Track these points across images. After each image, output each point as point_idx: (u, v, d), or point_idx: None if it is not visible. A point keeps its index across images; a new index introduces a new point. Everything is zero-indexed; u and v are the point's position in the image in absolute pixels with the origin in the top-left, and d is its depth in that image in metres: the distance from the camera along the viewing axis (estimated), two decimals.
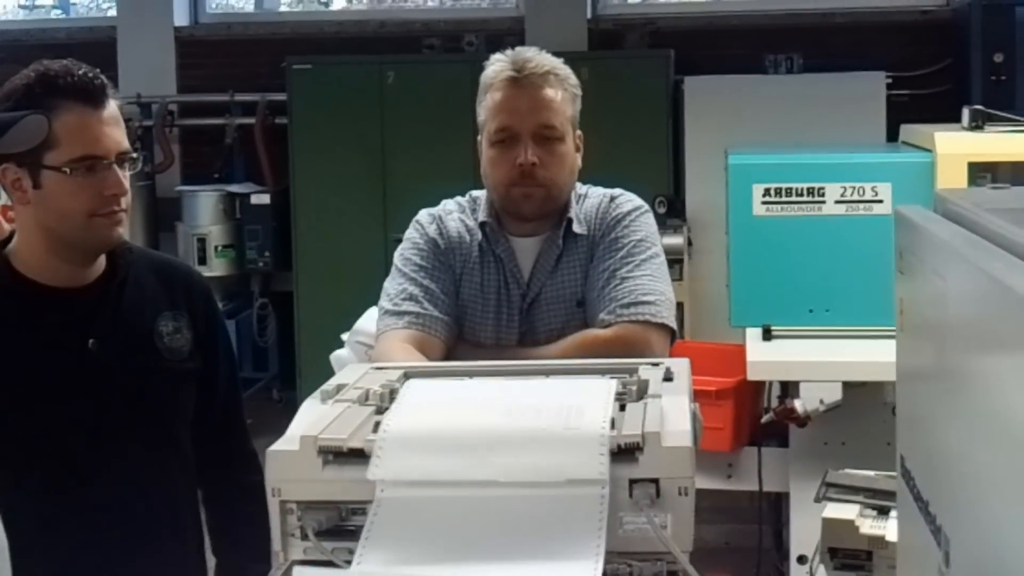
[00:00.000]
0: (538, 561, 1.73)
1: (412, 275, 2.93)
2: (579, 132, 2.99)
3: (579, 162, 2.99)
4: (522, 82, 2.89)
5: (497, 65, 2.94)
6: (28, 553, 2.39)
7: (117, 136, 2.52)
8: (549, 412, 1.89)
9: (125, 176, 2.53)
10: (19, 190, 2.52)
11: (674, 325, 2.88)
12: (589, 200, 3.00)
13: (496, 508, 1.81)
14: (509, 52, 2.97)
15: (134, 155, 2.57)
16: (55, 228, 2.52)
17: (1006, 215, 1.43)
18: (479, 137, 2.98)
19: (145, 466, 2.62)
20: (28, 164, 2.48)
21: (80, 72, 2.50)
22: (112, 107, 2.53)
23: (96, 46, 8.79)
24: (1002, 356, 1.20)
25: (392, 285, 2.95)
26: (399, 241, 3.05)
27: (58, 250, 2.55)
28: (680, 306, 6.97)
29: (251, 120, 8.87)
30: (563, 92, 2.92)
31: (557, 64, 2.95)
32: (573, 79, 2.97)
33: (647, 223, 2.98)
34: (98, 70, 2.55)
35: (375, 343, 2.93)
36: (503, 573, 1.71)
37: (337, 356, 3.16)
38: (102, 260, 2.62)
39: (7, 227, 2.76)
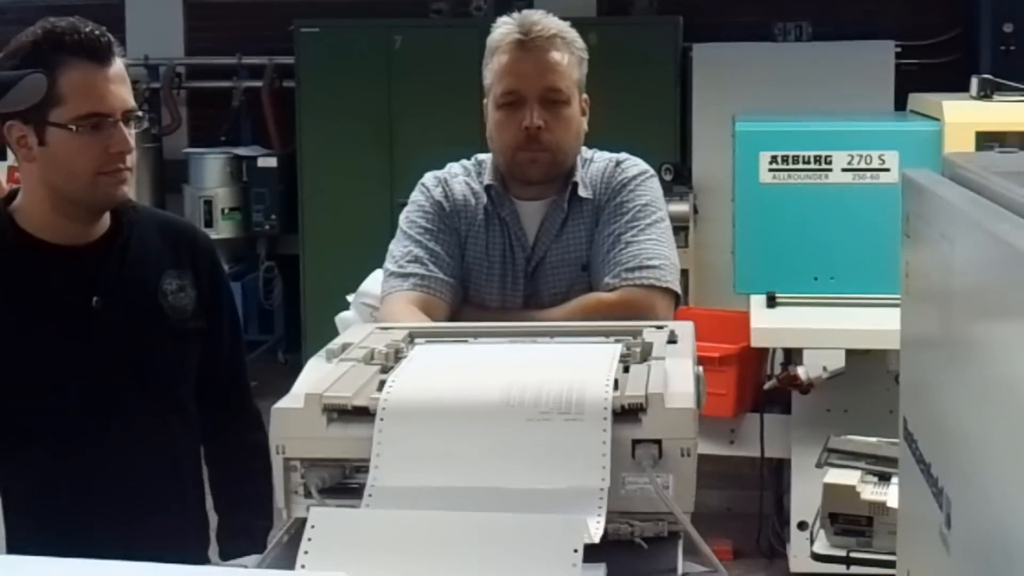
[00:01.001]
0: (540, 504, 1.74)
1: (417, 237, 2.93)
2: (585, 96, 2.98)
3: (585, 126, 2.98)
4: (528, 45, 2.89)
5: (504, 28, 2.93)
6: (29, 512, 2.40)
7: (123, 94, 2.51)
8: (550, 388, 1.88)
9: (131, 134, 2.52)
10: (24, 147, 2.50)
11: (678, 289, 2.87)
12: (595, 164, 3.00)
13: (500, 439, 1.82)
14: (516, 15, 2.96)
15: (140, 114, 2.56)
16: (60, 186, 2.51)
17: (1014, 178, 1.43)
18: (485, 100, 2.97)
19: (147, 423, 2.62)
20: (34, 121, 2.47)
21: (87, 30, 2.49)
22: (118, 65, 2.51)
23: (104, 8, 8.74)
24: (1008, 318, 1.20)
25: (397, 247, 2.95)
26: (405, 205, 3.05)
27: (63, 208, 2.54)
28: (685, 273, 6.95)
29: (258, 83, 8.86)
30: (570, 56, 2.91)
31: (564, 27, 2.94)
32: (580, 43, 2.96)
33: (652, 187, 2.98)
34: (104, 28, 2.53)
35: (380, 305, 2.93)
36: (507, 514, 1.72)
37: (342, 318, 3.16)
38: (106, 218, 2.61)
39: (6, 186, 2.74)
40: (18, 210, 2.58)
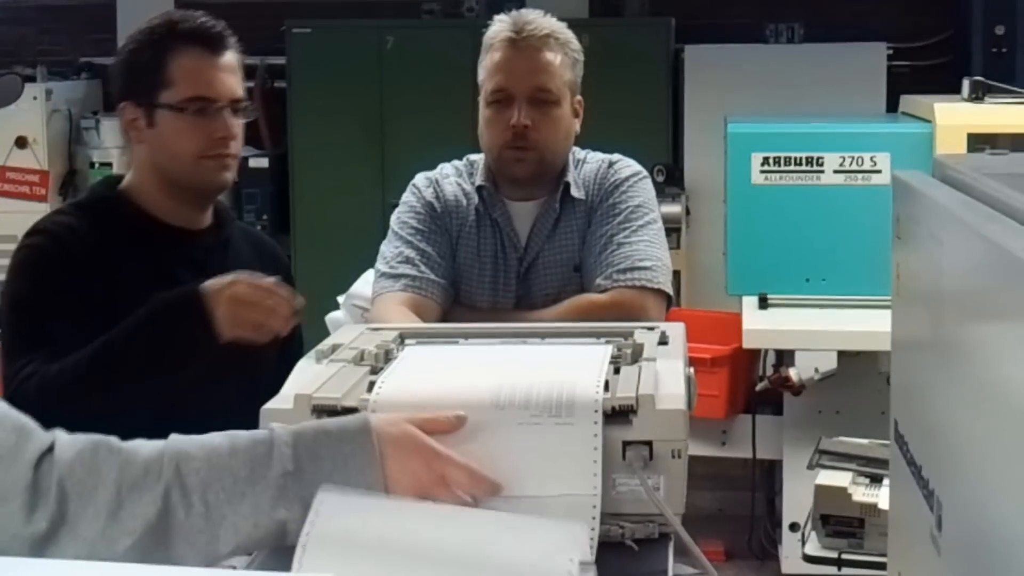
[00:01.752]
0: (532, 508, 1.74)
1: (408, 238, 2.93)
2: (579, 98, 2.97)
3: (577, 127, 2.98)
4: (520, 44, 2.89)
5: (498, 26, 2.94)
6: None
7: (231, 83, 2.62)
8: (540, 389, 1.87)
9: (237, 123, 2.62)
10: (135, 129, 2.63)
11: (670, 290, 2.87)
12: (587, 165, 2.99)
13: (491, 441, 1.81)
14: (512, 13, 2.96)
15: (247, 104, 2.66)
16: (167, 167, 2.62)
17: (1005, 180, 1.43)
18: (479, 98, 2.97)
19: (245, 420, 2.59)
20: (144, 103, 2.60)
21: (201, 19, 2.63)
22: (230, 56, 2.63)
23: (96, 8, 8.74)
24: (998, 319, 1.20)
25: (388, 248, 2.95)
26: (397, 206, 3.05)
27: (171, 190, 2.64)
28: (677, 275, 6.95)
29: (250, 83, 8.80)
30: (563, 56, 2.91)
31: (558, 27, 2.94)
32: (575, 44, 2.96)
33: (645, 189, 2.98)
34: (224, 23, 2.65)
35: (371, 306, 2.93)
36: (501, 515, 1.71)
37: (332, 318, 3.16)
38: (210, 212, 2.71)
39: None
40: (131, 189, 2.68)
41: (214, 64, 2.61)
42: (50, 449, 1.68)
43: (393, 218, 3.01)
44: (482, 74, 2.95)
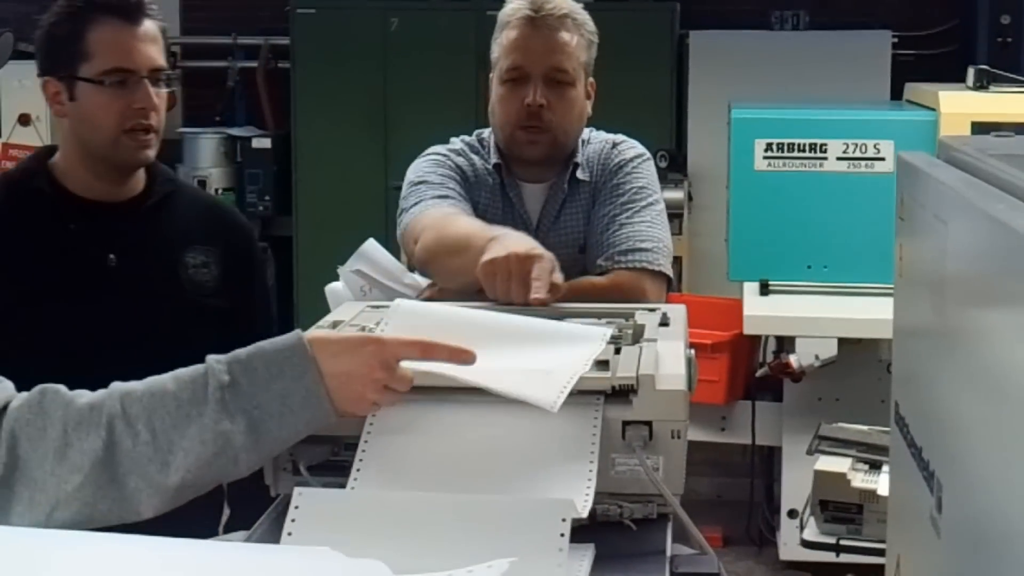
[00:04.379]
0: (530, 484, 1.74)
1: (440, 181, 2.88)
2: (592, 80, 2.96)
3: (589, 109, 2.96)
4: (538, 23, 2.87)
5: (516, 3, 2.92)
6: None
7: (151, 52, 2.58)
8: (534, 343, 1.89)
9: (159, 95, 2.59)
10: (58, 102, 2.60)
11: (670, 273, 2.86)
12: (591, 146, 2.98)
13: (490, 423, 1.82)
14: None
15: (169, 73, 2.63)
16: (88, 141, 2.59)
17: (1010, 160, 1.42)
18: (491, 75, 2.95)
19: None
20: (65, 77, 2.57)
21: None
22: (149, 25, 2.59)
23: None
24: (1001, 298, 1.19)
25: (415, 194, 2.88)
26: (399, 189, 3.01)
27: (91, 164, 2.61)
28: (678, 261, 6.95)
29: (254, 63, 8.82)
30: (579, 37, 2.90)
31: (576, 8, 2.92)
32: (591, 26, 2.95)
33: (648, 171, 2.96)
34: None
35: (413, 221, 2.85)
36: (495, 494, 1.71)
37: (332, 289, 3.11)
38: (140, 181, 2.68)
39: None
40: (56, 164, 2.66)
41: (132, 34, 2.56)
42: (6, 405, 1.74)
43: (422, 170, 2.93)
44: (496, 52, 2.92)
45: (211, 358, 1.80)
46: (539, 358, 1.91)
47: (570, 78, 2.87)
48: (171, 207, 2.71)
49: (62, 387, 1.79)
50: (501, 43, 2.90)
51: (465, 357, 1.83)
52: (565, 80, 2.87)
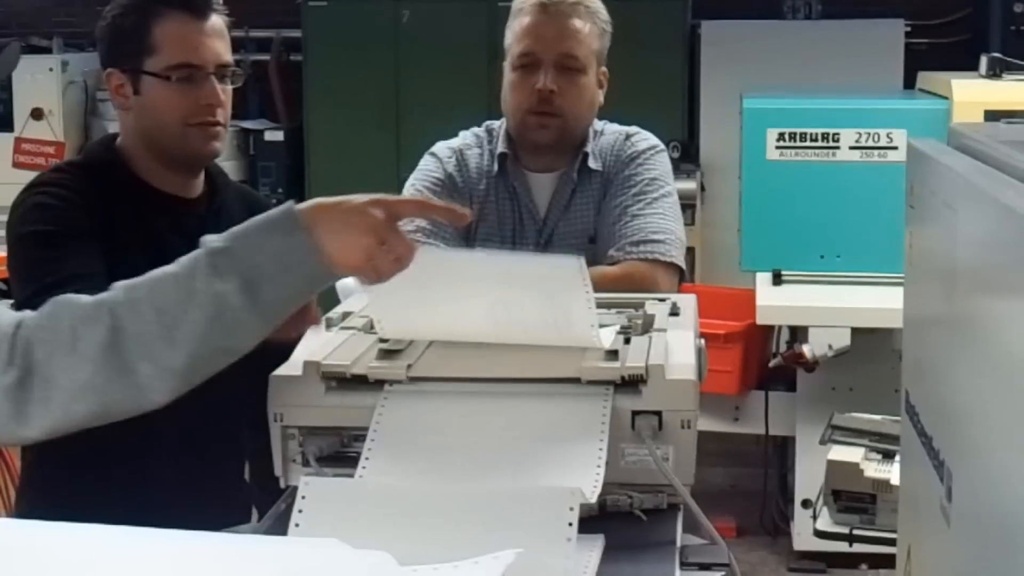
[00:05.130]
0: (538, 473, 1.73)
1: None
2: (604, 69, 2.96)
3: (600, 98, 2.96)
4: (551, 9, 2.88)
5: None
6: (94, 466, 2.41)
7: (218, 48, 2.56)
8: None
9: (225, 90, 2.57)
10: (122, 96, 2.58)
11: (682, 264, 2.86)
12: (605, 137, 2.98)
13: (499, 413, 1.81)
14: None
15: (236, 69, 2.61)
16: (154, 136, 2.56)
17: (1020, 147, 1.41)
18: (504, 63, 2.95)
19: (228, 386, 2.58)
20: (130, 71, 2.55)
21: None
22: (216, 20, 2.57)
23: None
24: (1011, 286, 1.19)
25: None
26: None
27: (159, 158, 2.58)
28: (691, 251, 6.94)
29: (266, 56, 8.82)
30: (591, 25, 2.90)
31: None
32: (604, 14, 2.95)
33: (662, 162, 2.96)
34: None
35: None
36: (503, 485, 1.71)
37: (342, 284, 3.12)
38: (202, 178, 2.65)
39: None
40: (123, 151, 2.62)
41: (199, 29, 2.54)
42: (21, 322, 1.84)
43: (408, 184, 2.98)
44: (509, 38, 2.93)
45: (207, 237, 1.89)
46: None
47: (581, 65, 2.87)
48: (228, 201, 2.71)
49: (72, 294, 1.87)
50: (514, 29, 2.91)
51: (462, 218, 2.02)
52: (576, 67, 2.87)
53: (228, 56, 2.59)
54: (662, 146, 3.02)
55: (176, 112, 2.53)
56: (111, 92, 2.61)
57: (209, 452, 2.55)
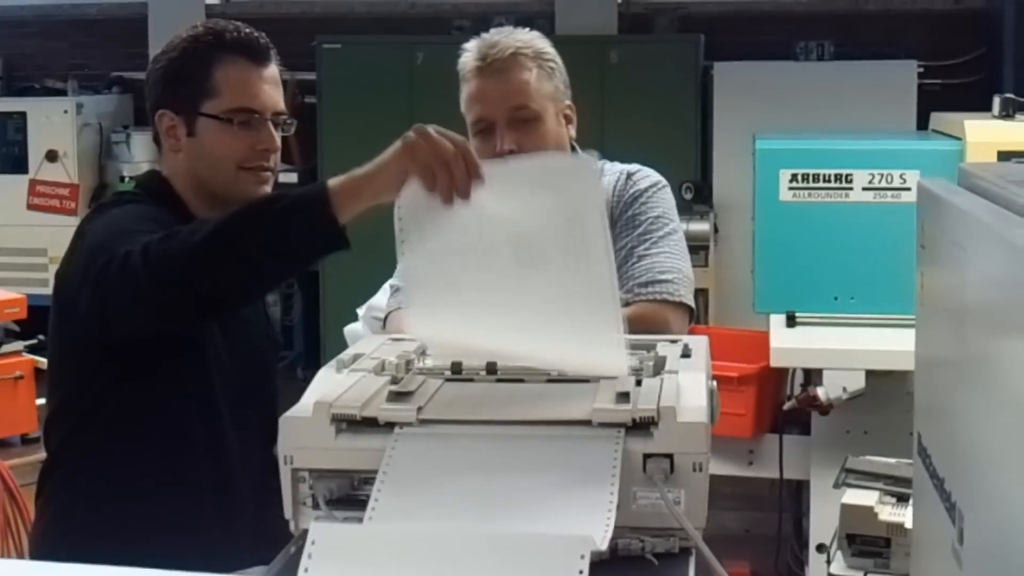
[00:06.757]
0: (549, 518, 1.72)
1: None
2: (568, 103, 2.91)
3: (572, 132, 2.90)
4: (486, 70, 2.83)
5: (466, 55, 2.89)
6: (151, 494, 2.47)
7: (275, 95, 2.61)
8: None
9: (278, 136, 2.61)
10: (173, 137, 2.61)
11: (692, 303, 2.85)
12: (605, 177, 2.96)
13: (509, 456, 1.81)
14: (479, 38, 2.90)
15: (288, 119, 2.65)
16: (205, 177, 2.59)
17: None
18: None
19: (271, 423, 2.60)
20: (185, 112, 2.58)
21: (246, 30, 2.62)
22: (273, 69, 2.63)
23: (127, 23, 8.79)
24: (1021, 325, 1.18)
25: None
26: None
27: (207, 198, 2.60)
28: (704, 292, 6.94)
29: None
30: (536, 69, 2.83)
31: (526, 41, 2.86)
32: (548, 52, 2.88)
33: (665, 199, 2.94)
34: (264, 34, 2.65)
35: (388, 320, 2.90)
36: (513, 527, 1.70)
37: (351, 330, 3.14)
38: None
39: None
40: (173, 184, 2.65)
41: (259, 75, 2.59)
42: None
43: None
44: (463, 107, 2.92)
45: None
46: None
47: (534, 113, 2.82)
48: None
49: None
50: (463, 98, 2.89)
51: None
52: (530, 117, 2.82)
53: (283, 104, 2.64)
54: (664, 182, 2.99)
55: (232, 155, 2.57)
56: (162, 133, 2.63)
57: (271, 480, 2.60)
